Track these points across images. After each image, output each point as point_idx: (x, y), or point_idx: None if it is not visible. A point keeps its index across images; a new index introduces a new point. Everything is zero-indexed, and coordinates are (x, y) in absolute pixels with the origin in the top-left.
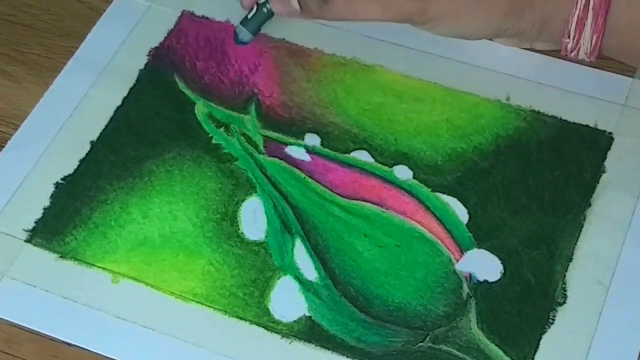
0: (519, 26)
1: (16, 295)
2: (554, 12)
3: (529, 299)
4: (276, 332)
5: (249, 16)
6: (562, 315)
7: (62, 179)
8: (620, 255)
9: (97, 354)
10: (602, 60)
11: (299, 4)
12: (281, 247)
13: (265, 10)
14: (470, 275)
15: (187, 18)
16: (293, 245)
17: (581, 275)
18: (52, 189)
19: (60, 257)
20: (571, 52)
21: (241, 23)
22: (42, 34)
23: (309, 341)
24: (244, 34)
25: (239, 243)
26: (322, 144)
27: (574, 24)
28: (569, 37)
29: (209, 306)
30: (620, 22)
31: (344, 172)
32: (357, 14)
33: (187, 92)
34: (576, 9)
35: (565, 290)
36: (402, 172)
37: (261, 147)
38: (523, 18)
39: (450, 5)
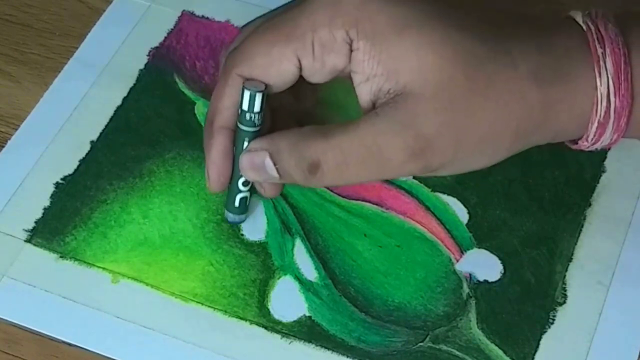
0: (529, 145)
1: (16, 295)
2: (568, 124)
3: (529, 299)
4: (276, 332)
5: (229, 198)
6: (562, 315)
7: (62, 179)
8: (620, 255)
9: (97, 354)
10: None
11: (278, 172)
12: (281, 247)
13: (241, 183)
14: (470, 275)
15: (187, 18)
16: (293, 245)
17: (581, 275)
18: (52, 189)
19: (60, 257)
20: (586, 148)
21: (226, 208)
22: (42, 34)
23: (309, 341)
24: (233, 218)
25: (239, 243)
26: None
27: (594, 129)
28: (587, 140)
29: (209, 306)
30: None
31: None
32: (352, 179)
33: (187, 92)
34: (596, 115)
35: (565, 290)
36: None
37: None
38: (533, 139)
39: (453, 152)
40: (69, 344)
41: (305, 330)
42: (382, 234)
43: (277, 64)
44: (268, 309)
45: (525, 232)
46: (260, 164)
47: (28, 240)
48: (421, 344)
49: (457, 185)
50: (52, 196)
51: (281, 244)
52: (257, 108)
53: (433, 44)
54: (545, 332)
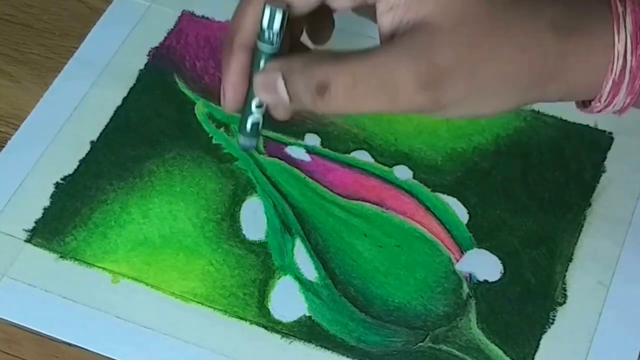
0: (540, 98)
1: (16, 295)
2: (582, 79)
3: (529, 299)
4: (276, 332)
5: (242, 120)
6: (562, 315)
7: (62, 179)
8: (620, 255)
9: (97, 354)
10: None
11: (289, 94)
12: (281, 247)
13: (254, 105)
14: (470, 275)
15: (187, 18)
16: (293, 245)
17: (581, 275)
18: (52, 189)
19: (60, 257)
20: (598, 111)
21: (238, 131)
22: (42, 34)
23: (309, 341)
24: (244, 141)
25: (239, 243)
26: (322, 144)
27: (607, 89)
28: (600, 101)
29: (209, 306)
30: None
31: (344, 172)
32: (360, 107)
33: (187, 92)
34: (612, 74)
35: (565, 290)
36: (402, 172)
37: (261, 148)
38: (545, 91)
39: (466, 90)
40: (69, 344)
41: (305, 330)
42: (382, 234)
43: None
44: (268, 309)
45: (525, 232)
46: (273, 84)
47: (28, 240)
48: (421, 344)
49: (457, 185)
50: (52, 196)
51: (281, 244)
52: (276, 26)
53: None
54: (545, 332)
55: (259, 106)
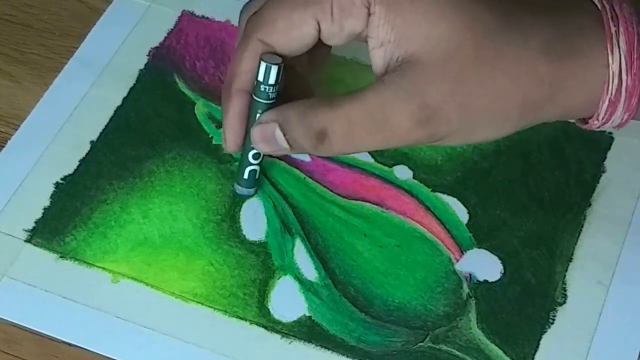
0: (536, 122)
1: (16, 295)
2: (578, 100)
3: (529, 299)
4: (276, 332)
5: (240, 170)
6: (562, 315)
7: (62, 179)
8: (620, 255)
9: (97, 354)
10: None
11: (289, 142)
12: (281, 247)
13: (251, 156)
14: (470, 275)
15: (187, 18)
16: (293, 245)
17: (581, 275)
18: (52, 189)
19: (60, 257)
20: (596, 128)
21: (236, 180)
22: (42, 34)
23: (309, 341)
24: (241, 191)
25: (239, 243)
26: None
27: (604, 108)
28: (597, 119)
29: (209, 306)
30: None
31: (344, 172)
32: (359, 147)
33: (187, 92)
34: (607, 93)
35: (565, 290)
36: (402, 172)
37: None
38: (541, 115)
39: (459, 122)
40: (69, 344)
41: (305, 330)
42: (382, 234)
43: (298, 28)
44: (268, 309)
45: (525, 232)
46: (271, 135)
47: (28, 240)
48: (421, 344)
49: (457, 185)
50: (52, 196)
51: (281, 244)
52: (271, 80)
53: (444, 12)
54: (545, 332)
55: (255, 157)
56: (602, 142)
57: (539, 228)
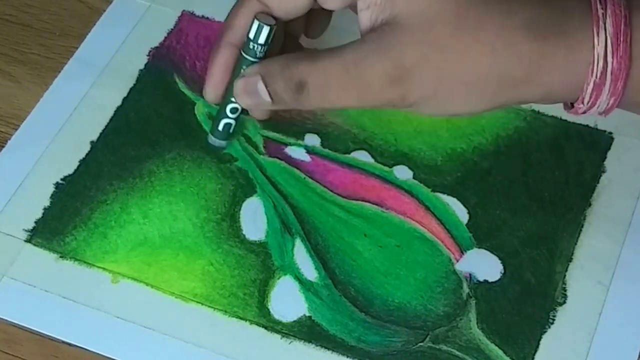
0: (516, 101)
1: (16, 295)
2: (560, 81)
3: (529, 299)
4: (276, 332)
5: (215, 121)
6: (562, 315)
7: (62, 179)
8: (620, 255)
9: (97, 354)
10: None
11: (270, 95)
12: (281, 247)
13: (229, 110)
14: (470, 275)
15: (187, 18)
16: (293, 245)
17: (581, 275)
18: (52, 189)
19: (60, 257)
20: (582, 113)
21: (210, 131)
22: (42, 34)
23: (309, 341)
24: (213, 141)
25: (239, 243)
26: (322, 144)
27: (589, 91)
28: (582, 103)
29: (209, 306)
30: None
31: (344, 172)
32: (334, 102)
33: (187, 92)
34: (592, 75)
35: (565, 290)
36: (402, 172)
37: (261, 148)
38: (520, 93)
39: (433, 89)
40: (69, 344)
41: (305, 330)
42: (382, 234)
43: None
44: (268, 309)
45: (525, 232)
46: (253, 87)
47: (28, 240)
48: (421, 344)
49: (457, 186)
50: (52, 196)
51: (281, 244)
52: (262, 40)
53: None
54: (545, 332)
55: (233, 111)
56: (602, 142)
57: (539, 228)
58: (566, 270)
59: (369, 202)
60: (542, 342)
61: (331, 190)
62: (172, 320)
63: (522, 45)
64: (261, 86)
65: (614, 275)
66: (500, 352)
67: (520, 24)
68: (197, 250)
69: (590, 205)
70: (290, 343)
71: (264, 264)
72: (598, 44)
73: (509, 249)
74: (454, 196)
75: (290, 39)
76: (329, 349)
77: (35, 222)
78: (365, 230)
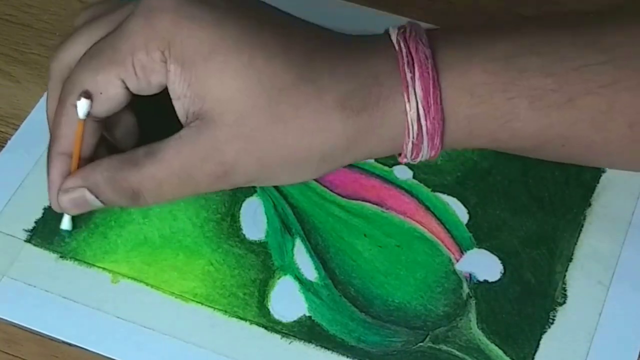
0: (341, 165)
1: (16, 295)
2: (381, 145)
3: (529, 299)
4: (276, 332)
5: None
6: (562, 315)
7: None
8: (620, 255)
9: (97, 354)
10: None
11: (103, 203)
12: (281, 247)
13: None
14: (470, 275)
15: None
16: (293, 245)
17: (581, 275)
18: None
19: (60, 257)
20: (408, 162)
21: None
22: (42, 34)
23: (309, 341)
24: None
25: (239, 243)
26: None
27: (409, 149)
28: (405, 157)
29: (209, 306)
30: (459, 135)
31: (344, 172)
32: (172, 198)
33: None
34: (409, 137)
35: (565, 290)
36: (402, 172)
37: None
38: (345, 158)
39: (258, 172)
40: (69, 344)
41: (305, 330)
42: (382, 234)
43: (105, 90)
44: (268, 309)
45: (525, 232)
46: (82, 200)
47: (28, 240)
48: (421, 344)
49: (457, 185)
50: None
51: (281, 244)
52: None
53: (237, 71)
54: (545, 332)
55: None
56: None
57: (539, 228)
58: (566, 270)
59: (369, 201)
60: (542, 342)
61: (331, 190)
62: (172, 320)
63: (336, 124)
64: (90, 196)
65: (614, 275)
66: (500, 352)
67: (332, 104)
68: (197, 250)
69: (590, 205)
70: (290, 343)
71: (264, 264)
72: (410, 110)
73: (509, 249)
74: (454, 196)
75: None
76: (329, 349)
77: (35, 222)
78: (365, 230)
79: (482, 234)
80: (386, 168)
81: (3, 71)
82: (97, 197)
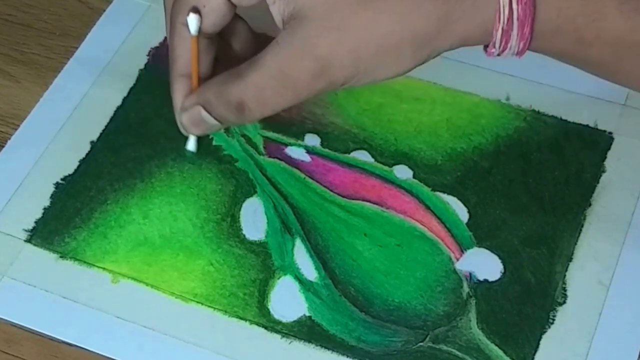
0: (435, 54)
1: (16, 295)
2: (471, 30)
3: (529, 298)
4: (276, 332)
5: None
6: (562, 315)
7: (62, 179)
8: (620, 255)
9: (97, 354)
10: None
11: (217, 119)
12: (281, 247)
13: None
14: (470, 274)
15: None
16: (293, 245)
17: (581, 275)
18: (52, 189)
19: (60, 257)
20: (496, 56)
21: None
22: (42, 34)
23: (309, 341)
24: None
25: (239, 243)
26: (322, 144)
27: (499, 36)
28: (494, 47)
29: (209, 306)
30: (548, 27)
31: (344, 172)
32: (275, 107)
33: None
34: (500, 22)
35: (565, 290)
36: (402, 172)
37: (261, 148)
38: (437, 44)
39: (355, 67)
40: (69, 344)
41: (305, 330)
42: (382, 233)
43: (208, 2)
44: (268, 309)
45: (525, 231)
46: (198, 118)
47: (28, 240)
48: (421, 343)
49: (457, 185)
50: (52, 196)
51: (281, 244)
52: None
53: None
54: (545, 332)
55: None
56: (602, 142)
57: (539, 228)
58: (566, 270)
59: (369, 201)
60: (542, 342)
61: (331, 190)
62: (172, 320)
63: (428, 7)
64: (205, 114)
65: (614, 275)
66: (500, 352)
67: None
68: (197, 251)
69: (590, 205)
70: (290, 343)
71: (264, 264)
72: None
73: (509, 248)
74: (454, 195)
75: (220, 53)
76: (329, 349)
77: (35, 222)
78: (366, 229)
79: (482, 233)
80: (386, 168)
81: (3, 71)
82: (209, 114)
